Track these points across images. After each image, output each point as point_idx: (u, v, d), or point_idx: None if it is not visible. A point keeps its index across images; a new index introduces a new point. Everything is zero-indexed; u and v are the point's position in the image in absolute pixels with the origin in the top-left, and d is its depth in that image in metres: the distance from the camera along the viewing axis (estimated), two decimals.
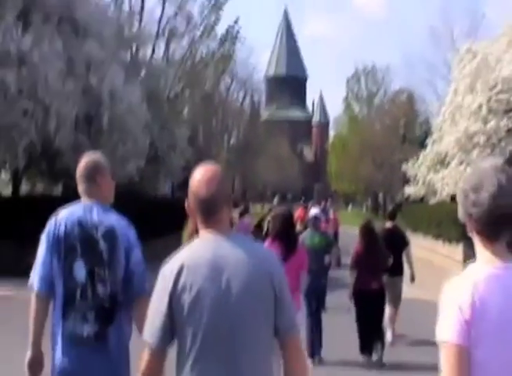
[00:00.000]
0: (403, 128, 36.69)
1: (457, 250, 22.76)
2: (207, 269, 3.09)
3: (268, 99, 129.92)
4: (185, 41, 38.34)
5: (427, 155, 31.45)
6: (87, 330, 4.21)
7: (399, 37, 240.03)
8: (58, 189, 29.30)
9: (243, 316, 3.11)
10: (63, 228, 4.31)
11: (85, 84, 21.28)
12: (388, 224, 12.68)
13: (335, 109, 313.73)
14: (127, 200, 24.30)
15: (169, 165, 30.92)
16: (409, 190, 33.68)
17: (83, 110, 21.12)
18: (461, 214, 2.84)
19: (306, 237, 10.98)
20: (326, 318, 11.56)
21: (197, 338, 3.07)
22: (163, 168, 30.70)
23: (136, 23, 32.96)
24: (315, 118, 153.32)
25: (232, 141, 74.64)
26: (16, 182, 24.17)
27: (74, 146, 20.58)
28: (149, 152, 26.33)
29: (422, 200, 34.56)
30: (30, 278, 4.39)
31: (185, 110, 39.01)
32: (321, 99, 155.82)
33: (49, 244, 4.33)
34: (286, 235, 8.26)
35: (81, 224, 4.30)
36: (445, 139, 26.89)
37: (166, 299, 3.10)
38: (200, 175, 3.23)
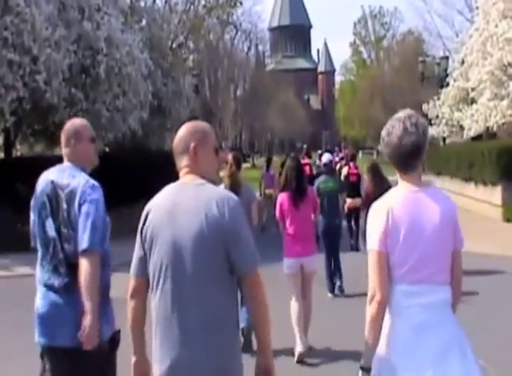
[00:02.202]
0: (421, 66, 34.47)
1: (494, 193, 20.93)
2: (164, 212, 3.59)
3: (273, 49, 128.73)
4: None
5: (449, 93, 29.57)
6: (58, 281, 4.51)
7: None
8: (59, 151, 27.52)
9: (193, 251, 3.48)
10: (40, 187, 4.68)
11: (79, 31, 19.22)
12: None
13: (340, 57, 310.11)
14: (131, 156, 22.79)
15: (175, 116, 28.79)
16: (431, 131, 31.83)
17: (77, 60, 19.10)
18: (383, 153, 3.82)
19: (321, 182, 11.61)
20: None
21: (156, 269, 3.59)
22: (168, 119, 28.61)
23: None
24: (321, 67, 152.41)
25: (239, 91, 73.79)
26: (7, 143, 22.08)
27: (68, 101, 18.67)
28: (152, 103, 24.29)
29: (444, 141, 32.84)
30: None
31: (190, 59, 36.76)
32: (326, 47, 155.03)
33: (33, 203, 4.73)
34: (293, 184, 8.53)
35: (52, 185, 4.59)
36: (472, 73, 24.79)
37: (139, 236, 3.71)
38: (180, 131, 3.80)
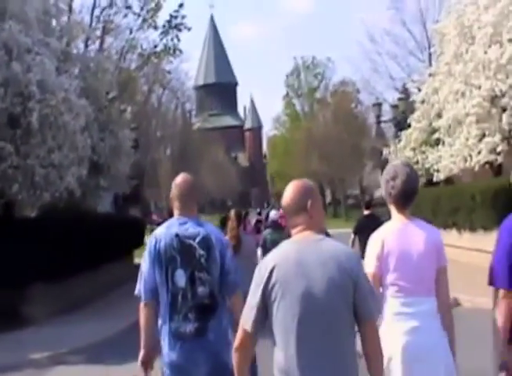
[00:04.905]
0: (376, 109, 32.96)
1: (486, 239, 18.65)
2: (292, 266, 3.70)
3: (200, 107, 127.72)
4: (122, 35, 32.92)
5: (411, 135, 27.72)
6: (189, 327, 5.03)
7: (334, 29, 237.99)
8: None
9: (326, 305, 3.62)
10: (163, 242, 5.16)
11: (6, 73, 16.38)
12: (366, 211, 15.29)
13: (269, 111, 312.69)
14: (70, 222, 19.75)
15: (113, 174, 25.82)
16: None
17: (4, 107, 16.25)
18: (384, 194, 4.77)
19: (268, 234, 13.26)
20: None
21: (287, 324, 3.64)
22: (107, 178, 25.54)
23: (65, 12, 27.32)
24: (248, 123, 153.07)
25: (169, 150, 72.54)
26: None
27: None
28: (90, 159, 21.33)
29: None
30: (137, 289, 5.25)
31: (128, 111, 33.92)
32: (252, 103, 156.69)
33: (151, 259, 5.17)
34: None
35: (178, 237, 5.18)
36: (447, 110, 22.63)
37: (259, 293, 3.73)
38: (290, 191, 3.96)
